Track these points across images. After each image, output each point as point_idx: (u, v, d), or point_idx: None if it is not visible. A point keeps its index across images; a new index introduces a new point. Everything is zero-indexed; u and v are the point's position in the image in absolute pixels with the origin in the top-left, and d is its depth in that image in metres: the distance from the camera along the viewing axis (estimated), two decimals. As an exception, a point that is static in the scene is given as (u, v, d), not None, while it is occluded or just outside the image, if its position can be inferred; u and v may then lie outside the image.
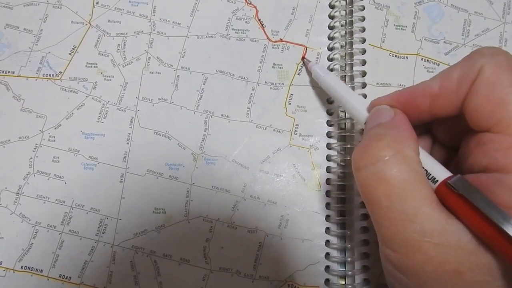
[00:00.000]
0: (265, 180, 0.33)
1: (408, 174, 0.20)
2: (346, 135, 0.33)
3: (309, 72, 0.33)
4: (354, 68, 0.34)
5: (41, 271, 0.31)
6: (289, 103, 0.34)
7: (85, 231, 0.32)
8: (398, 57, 0.34)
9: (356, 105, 0.27)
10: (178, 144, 0.33)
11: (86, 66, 0.34)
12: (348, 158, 0.32)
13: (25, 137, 0.33)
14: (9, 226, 0.31)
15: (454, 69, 0.22)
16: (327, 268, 0.31)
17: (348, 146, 0.32)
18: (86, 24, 0.35)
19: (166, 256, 0.31)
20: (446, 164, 0.24)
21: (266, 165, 0.33)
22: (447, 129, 0.26)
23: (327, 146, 0.33)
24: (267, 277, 0.31)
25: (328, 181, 0.32)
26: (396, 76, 0.34)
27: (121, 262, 0.31)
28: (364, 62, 0.34)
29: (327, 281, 0.30)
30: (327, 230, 0.31)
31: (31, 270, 0.31)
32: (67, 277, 0.31)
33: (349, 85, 0.33)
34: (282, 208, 0.32)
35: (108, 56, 0.35)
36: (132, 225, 0.32)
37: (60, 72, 0.34)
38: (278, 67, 0.34)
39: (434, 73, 0.33)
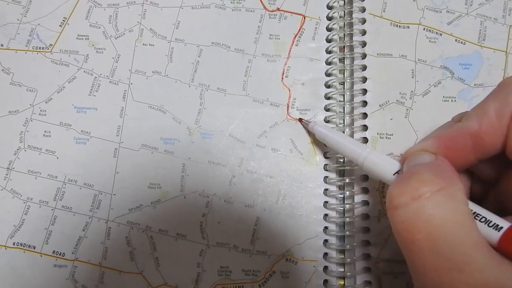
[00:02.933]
0: (262, 155, 0.32)
1: (455, 214, 0.18)
2: (345, 106, 0.32)
3: (311, 133, 0.31)
4: (354, 38, 0.33)
5: (34, 247, 0.30)
6: (286, 76, 0.33)
7: (79, 206, 0.31)
8: (400, 26, 0.33)
9: (378, 160, 0.24)
10: (173, 118, 0.32)
11: (77, 38, 0.33)
12: (347, 130, 0.32)
13: (15, 112, 0.32)
14: None
15: (488, 103, 0.20)
16: (325, 242, 0.30)
17: (347, 117, 0.32)
18: (76, -5, 0.34)
19: (162, 232, 0.31)
20: (482, 198, 0.23)
21: (263, 139, 0.32)
22: (487, 165, 0.23)
23: (325, 120, 0.32)
24: (264, 252, 0.30)
25: (326, 154, 0.32)
26: (397, 46, 0.33)
27: (116, 238, 0.31)
28: (364, 32, 0.33)
29: (325, 255, 0.30)
30: (325, 204, 0.31)
31: (24, 247, 0.30)
32: (60, 253, 0.30)
33: (349, 55, 0.32)
34: (279, 183, 0.31)
35: (99, 27, 0.34)
36: (127, 201, 0.31)
37: (51, 45, 0.33)
38: (275, 38, 0.33)
39: (436, 43, 0.32)
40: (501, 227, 0.19)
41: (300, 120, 0.32)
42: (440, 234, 0.17)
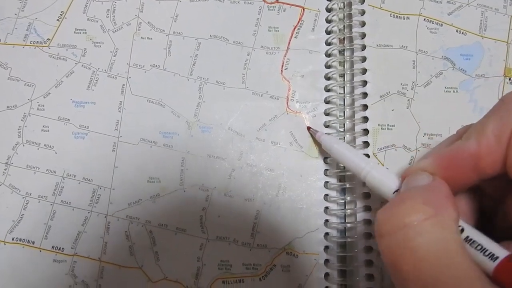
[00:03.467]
0: (261, 148, 0.32)
1: (443, 245, 0.17)
2: (345, 98, 0.32)
3: (317, 143, 0.31)
4: (353, 30, 0.32)
5: (33, 242, 0.30)
6: (285, 69, 0.33)
7: (78, 201, 0.31)
8: (399, 17, 0.33)
9: (380, 176, 0.23)
10: (172, 112, 0.32)
11: (74, 32, 0.33)
12: (348, 123, 0.31)
13: (13, 106, 0.32)
14: (-1, 197, 0.31)
15: (487, 122, 0.19)
16: (326, 235, 0.30)
17: (348, 110, 0.31)
18: (74, -11, 0.34)
19: (162, 226, 0.30)
20: (494, 213, 0.22)
21: (263, 132, 0.32)
22: (491, 183, 0.22)
23: (324, 112, 0.32)
24: (265, 245, 0.30)
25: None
26: (397, 37, 0.32)
27: (115, 232, 0.30)
28: (363, 24, 0.32)
29: (326, 248, 0.30)
30: (326, 196, 0.30)
31: (23, 242, 0.30)
32: (60, 248, 0.30)
33: (348, 47, 0.32)
34: (279, 176, 0.31)
35: (97, 21, 0.33)
36: (126, 195, 0.31)
37: (48, 39, 0.33)
38: (274, 30, 0.33)
39: (437, 34, 0.32)
40: (497, 257, 0.18)
41: (309, 128, 0.31)
42: (426, 266, 0.17)
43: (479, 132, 0.20)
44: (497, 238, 0.19)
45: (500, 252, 0.18)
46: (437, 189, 0.19)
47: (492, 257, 0.18)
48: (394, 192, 0.23)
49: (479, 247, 0.19)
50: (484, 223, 0.23)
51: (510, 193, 0.21)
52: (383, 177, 0.23)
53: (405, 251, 0.17)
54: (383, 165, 0.30)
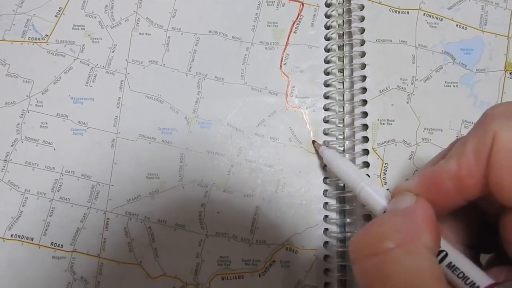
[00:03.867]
0: (260, 144, 0.31)
1: (415, 273, 0.16)
2: (344, 93, 0.31)
3: (320, 157, 0.30)
4: (353, 25, 0.32)
5: (32, 239, 0.30)
6: (284, 64, 0.33)
7: (77, 198, 0.31)
8: (399, 12, 0.32)
9: (372, 194, 0.23)
10: (170, 107, 0.32)
11: (73, 28, 0.33)
12: (347, 118, 0.31)
13: (12, 103, 0.32)
14: (-3, 193, 0.31)
15: (468, 140, 0.18)
16: (326, 230, 0.30)
17: (347, 105, 0.31)
18: (72, -15, 0.34)
19: (161, 222, 0.30)
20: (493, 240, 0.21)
21: (262, 128, 0.32)
22: (488, 202, 0.20)
23: (324, 108, 0.32)
24: (264, 241, 0.30)
25: (325, 143, 0.31)
26: (396, 32, 0.32)
27: (114, 228, 0.30)
28: (362, 19, 0.32)
29: (325, 243, 0.30)
30: (325, 192, 0.30)
31: (22, 238, 0.30)
32: (59, 244, 0.30)
33: (347, 42, 0.32)
34: (279, 172, 0.31)
35: (95, 17, 0.33)
36: (125, 191, 0.31)
37: (46, 35, 0.33)
38: (273, 25, 0.33)
39: (437, 28, 0.32)
40: (478, 286, 0.17)
41: (313, 142, 0.31)
42: None
43: (459, 152, 0.18)
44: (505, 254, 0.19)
45: (482, 281, 0.17)
46: (416, 213, 0.18)
47: (473, 286, 0.17)
48: (384, 212, 0.22)
49: (460, 275, 0.18)
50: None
51: (503, 212, 0.19)
52: (375, 195, 0.23)
53: (376, 280, 0.16)
54: (382, 160, 0.30)
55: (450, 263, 0.18)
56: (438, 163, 0.19)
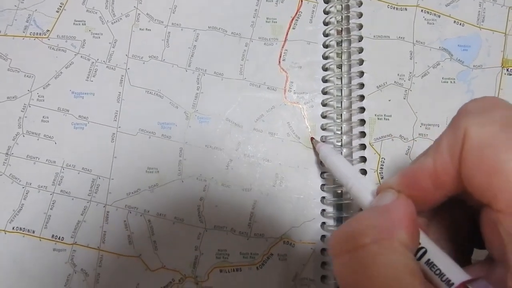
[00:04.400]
0: (259, 139, 0.32)
1: (392, 268, 0.16)
2: (342, 89, 0.32)
3: (317, 153, 0.31)
4: (351, 21, 0.32)
5: (33, 231, 0.30)
6: (283, 60, 0.33)
7: (77, 191, 0.31)
8: (397, 8, 0.33)
9: (361, 190, 0.23)
10: (170, 102, 0.32)
11: (74, 23, 0.33)
12: (345, 113, 0.31)
13: (13, 97, 0.32)
14: (-1, 186, 0.31)
15: (443, 137, 0.18)
16: (323, 224, 0.30)
17: (345, 100, 0.31)
18: (73, -19, 0.34)
19: (160, 215, 0.31)
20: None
21: (260, 123, 0.32)
22: (471, 198, 0.20)
23: (322, 103, 0.32)
24: (262, 235, 0.30)
25: (323, 138, 0.31)
26: (394, 28, 0.32)
27: (114, 222, 0.31)
28: (361, 15, 0.32)
29: (323, 237, 0.30)
30: (322, 186, 0.31)
31: (23, 231, 0.30)
32: (59, 237, 0.30)
33: (346, 38, 0.32)
34: (277, 166, 0.31)
35: (96, 13, 0.34)
36: (125, 185, 0.31)
37: (48, 31, 0.33)
38: (272, 21, 0.33)
39: (434, 24, 0.32)
40: (452, 283, 0.17)
41: (312, 139, 0.31)
42: None
43: (435, 149, 0.19)
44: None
45: (457, 278, 0.17)
46: (394, 210, 0.18)
47: (448, 283, 0.17)
48: None
49: (437, 271, 0.18)
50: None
51: (482, 207, 0.19)
52: (364, 191, 0.23)
53: (352, 275, 0.17)
54: (379, 155, 0.30)
55: (429, 260, 0.18)
56: (418, 160, 0.20)
